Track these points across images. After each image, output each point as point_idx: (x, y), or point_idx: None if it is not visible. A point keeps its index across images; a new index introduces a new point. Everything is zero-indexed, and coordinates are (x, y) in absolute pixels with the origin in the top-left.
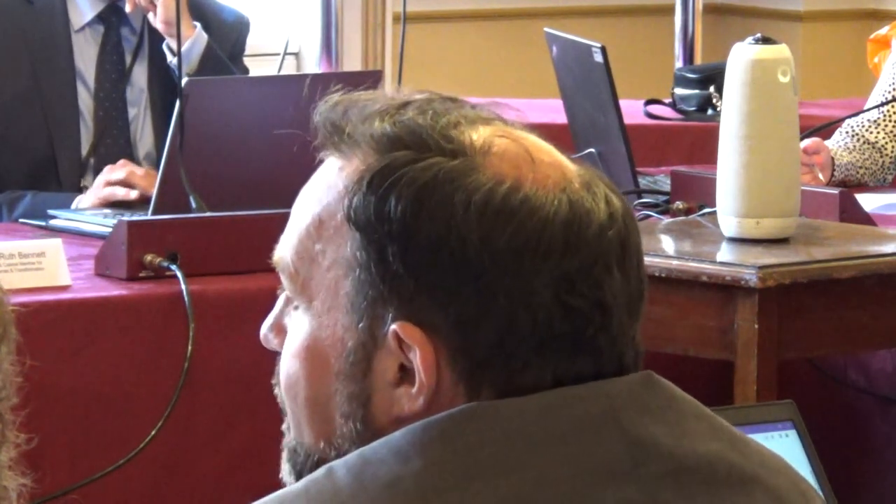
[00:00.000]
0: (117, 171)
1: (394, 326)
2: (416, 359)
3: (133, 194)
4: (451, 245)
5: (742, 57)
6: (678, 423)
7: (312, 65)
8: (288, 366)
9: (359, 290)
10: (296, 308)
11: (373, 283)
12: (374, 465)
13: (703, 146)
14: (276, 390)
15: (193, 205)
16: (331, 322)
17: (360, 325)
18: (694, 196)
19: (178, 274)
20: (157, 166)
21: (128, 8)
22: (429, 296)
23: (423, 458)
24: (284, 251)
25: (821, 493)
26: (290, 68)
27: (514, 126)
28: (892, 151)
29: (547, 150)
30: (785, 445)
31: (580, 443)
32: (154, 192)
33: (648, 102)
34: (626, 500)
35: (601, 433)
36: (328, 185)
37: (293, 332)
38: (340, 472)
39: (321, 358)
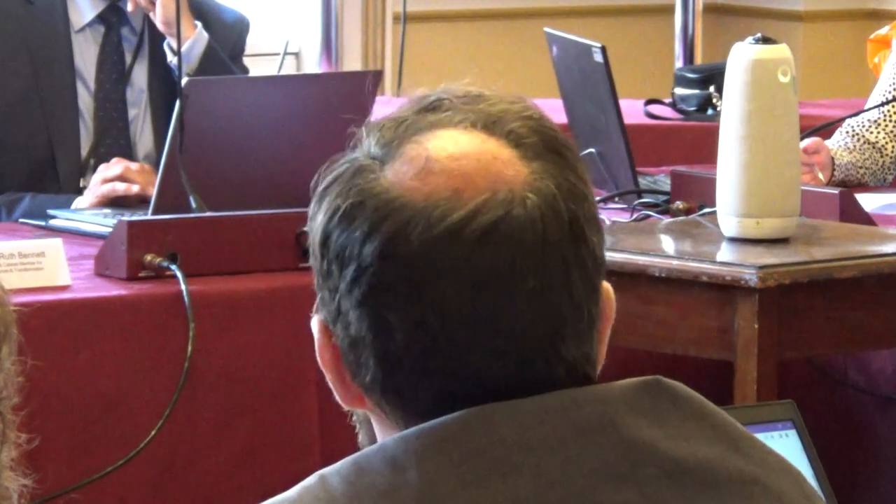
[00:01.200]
0: (113, 167)
1: (313, 318)
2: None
3: (134, 188)
4: (315, 247)
5: (742, 57)
6: (678, 426)
7: (312, 65)
8: None
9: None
10: None
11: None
12: (370, 475)
13: (703, 146)
14: None
15: (193, 205)
16: None
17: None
18: (694, 196)
19: (178, 274)
20: (156, 166)
21: (130, 7)
22: (321, 294)
23: (419, 467)
24: None
25: (821, 493)
26: (290, 68)
27: (485, 126)
28: (892, 151)
29: (471, 159)
30: (785, 445)
31: (578, 446)
32: (154, 192)
33: (648, 102)
34: (625, 501)
35: (599, 437)
36: None
37: None
38: (334, 480)
39: None
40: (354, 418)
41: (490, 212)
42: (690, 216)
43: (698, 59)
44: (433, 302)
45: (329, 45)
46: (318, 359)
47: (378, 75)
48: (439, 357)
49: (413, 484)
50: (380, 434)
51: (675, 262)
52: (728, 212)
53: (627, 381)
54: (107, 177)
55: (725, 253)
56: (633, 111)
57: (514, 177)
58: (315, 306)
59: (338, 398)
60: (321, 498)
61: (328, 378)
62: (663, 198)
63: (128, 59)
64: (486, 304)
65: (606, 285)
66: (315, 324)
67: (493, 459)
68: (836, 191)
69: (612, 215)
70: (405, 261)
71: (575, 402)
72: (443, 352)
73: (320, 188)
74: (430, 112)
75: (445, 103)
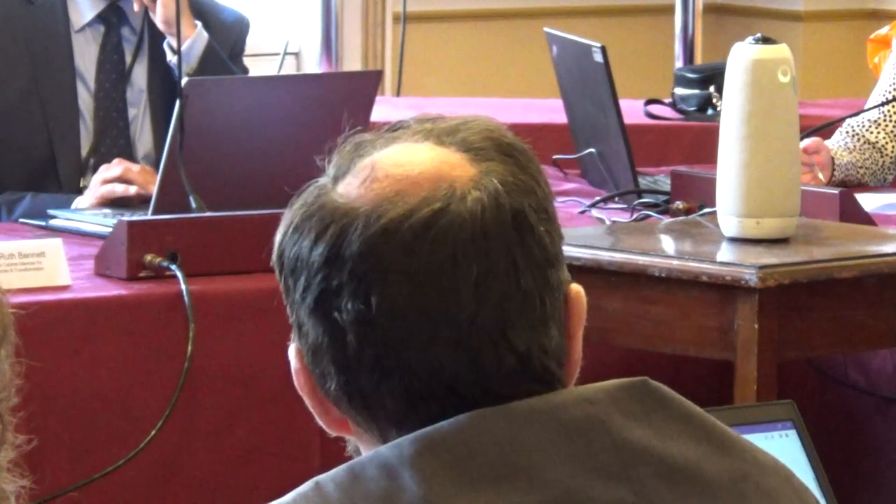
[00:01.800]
0: (113, 168)
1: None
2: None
3: (132, 190)
4: (275, 265)
5: (742, 57)
6: (667, 426)
7: (312, 65)
8: None
9: None
10: None
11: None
12: (365, 481)
13: (703, 146)
14: None
15: (193, 205)
16: None
17: None
18: (694, 196)
19: (178, 274)
20: (156, 166)
21: (136, 7)
22: (290, 310)
23: (412, 472)
24: None
25: (820, 493)
26: (290, 68)
27: (432, 133)
28: (892, 151)
29: (416, 164)
30: (785, 445)
31: (570, 446)
32: (154, 192)
33: (648, 102)
34: (619, 500)
35: (590, 437)
36: None
37: None
38: (329, 486)
39: None
40: (350, 448)
41: (428, 207)
42: (690, 216)
43: (698, 59)
44: (379, 299)
45: (329, 45)
46: (297, 386)
47: (378, 75)
48: (393, 355)
49: (408, 489)
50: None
51: (675, 262)
52: (728, 212)
53: (614, 382)
54: (106, 178)
55: (725, 253)
56: (633, 111)
57: (459, 176)
58: (291, 335)
59: (323, 426)
60: None
61: (309, 405)
62: (663, 198)
63: (128, 58)
64: (430, 297)
65: (576, 286)
66: (292, 351)
67: (487, 462)
68: (836, 191)
69: (612, 215)
70: (348, 261)
71: (564, 403)
72: (396, 349)
73: (289, 206)
74: (389, 133)
75: (405, 124)
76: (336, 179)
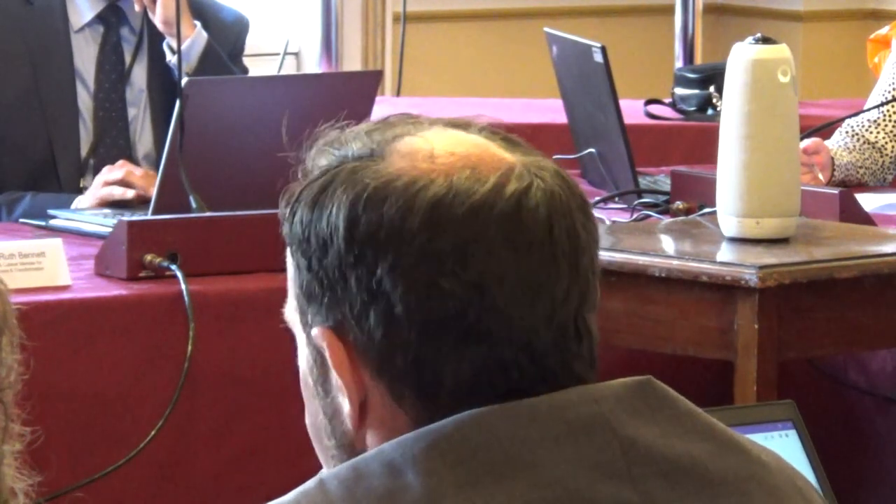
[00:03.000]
0: (115, 171)
1: (314, 332)
2: (329, 359)
3: (129, 194)
4: (332, 242)
5: (742, 57)
6: (671, 425)
7: (312, 65)
8: None
9: (297, 305)
10: None
11: (299, 294)
12: (368, 479)
13: (703, 146)
14: None
15: (193, 205)
16: (302, 346)
17: (308, 340)
18: (694, 196)
19: (178, 274)
20: (156, 166)
21: (136, 8)
22: (329, 295)
23: (416, 470)
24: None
25: (820, 493)
26: (290, 68)
27: (458, 125)
28: (892, 151)
29: (466, 144)
30: (785, 445)
31: (574, 445)
32: (154, 192)
33: (648, 102)
34: (622, 501)
35: (594, 435)
36: None
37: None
38: (332, 483)
39: (306, 384)
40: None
41: (517, 181)
42: (690, 216)
43: (698, 59)
44: (486, 265)
45: (329, 45)
46: (336, 369)
47: (378, 75)
48: (493, 320)
49: (411, 487)
50: (381, 437)
51: (675, 262)
52: (728, 212)
53: (619, 381)
54: (108, 180)
55: (725, 253)
56: (633, 111)
57: (513, 159)
58: (305, 320)
59: (347, 406)
60: (319, 502)
61: (343, 384)
62: (663, 198)
63: (127, 58)
64: (533, 266)
65: None
66: (319, 336)
67: (490, 460)
68: (836, 191)
69: (612, 215)
70: (451, 228)
71: (569, 401)
72: (498, 314)
73: (309, 195)
74: (396, 125)
75: (404, 119)
76: (376, 159)
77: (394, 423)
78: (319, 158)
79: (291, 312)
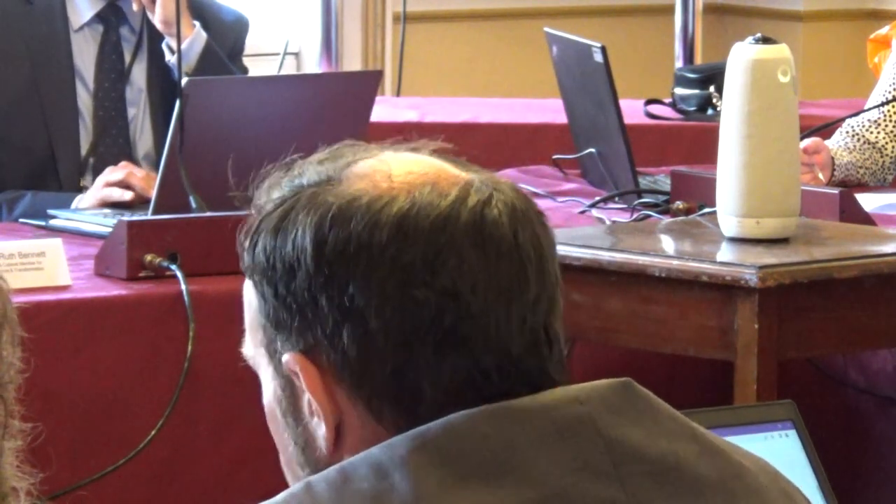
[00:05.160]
0: (117, 172)
1: (284, 359)
2: (304, 384)
3: (128, 195)
4: (300, 266)
5: (742, 57)
6: (655, 425)
7: (312, 65)
8: None
9: (264, 335)
10: None
11: (266, 324)
12: (355, 481)
13: (703, 146)
14: None
15: (193, 205)
16: (268, 379)
17: (275, 370)
18: (694, 196)
19: (178, 274)
20: (156, 166)
21: (135, 7)
22: (299, 320)
23: (403, 471)
24: (245, 338)
25: (820, 493)
26: (290, 68)
27: (410, 147)
28: (892, 151)
29: (423, 164)
30: (785, 445)
31: (561, 445)
32: (154, 192)
33: (648, 102)
34: (610, 500)
35: (579, 436)
36: None
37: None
38: (320, 486)
39: (273, 417)
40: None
41: (477, 194)
42: (690, 216)
43: (698, 59)
44: (458, 272)
45: (329, 45)
46: (311, 392)
47: (378, 75)
48: (469, 327)
49: (398, 489)
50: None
51: (675, 262)
52: (728, 212)
53: (601, 382)
54: (109, 181)
55: (725, 253)
56: (633, 111)
57: (468, 176)
58: (272, 350)
59: (322, 430)
60: None
61: (320, 406)
62: (663, 198)
63: (127, 58)
64: (503, 273)
65: None
66: (290, 361)
67: (478, 461)
68: (836, 191)
69: (612, 215)
70: (420, 238)
71: (554, 402)
72: (473, 320)
73: (269, 224)
74: (346, 154)
75: (352, 148)
76: (335, 182)
77: (375, 441)
78: (272, 192)
79: (251, 348)
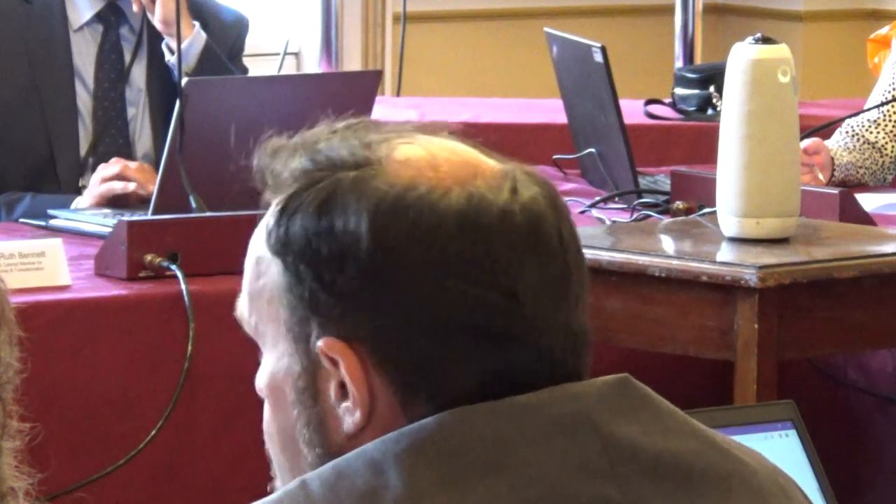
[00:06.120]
0: (111, 167)
1: (319, 343)
2: (344, 371)
3: (131, 186)
4: (349, 250)
5: (742, 57)
6: (653, 422)
7: (312, 65)
8: (264, 410)
9: (290, 314)
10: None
11: (296, 304)
12: (349, 478)
13: (703, 146)
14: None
15: (193, 205)
16: (279, 353)
17: (298, 348)
18: (694, 196)
19: (178, 274)
20: (155, 166)
21: (135, 8)
22: (342, 306)
23: (398, 468)
24: (242, 301)
25: (820, 493)
26: (290, 68)
27: (437, 132)
28: (892, 151)
29: (460, 152)
30: (785, 445)
31: (556, 444)
32: (154, 192)
33: (648, 102)
34: (604, 498)
35: (576, 433)
36: (262, 224)
37: (260, 374)
38: (314, 483)
39: (279, 391)
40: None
41: (526, 188)
42: (690, 216)
43: (698, 59)
44: (517, 272)
45: (329, 45)
46: (352, 380)
47: (378, 75)
48: (520, 327)
49: (392, 485)
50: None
51: (675, 262)
52: (728, 212)
53: (600, 379)
54: (105, 176)
55: (725, 253)
56: (633, 111)
57: (503, 166)
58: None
59: (352, 417)
60: (301, 502)
61: (359, 394)
62: (663, 198)
63: (126, 58)
64: (554, 272)
65: None
66: (327, 347)
67: (472, 458)
68: (836, 191)
69: (612, 215)
70: (482, 235)
71: (552, 399)
72: (526, 321)
73: (310, 203)
74: (367, 129)
75: (368, 124)
76: (371, 166)
77: (396, 428)
78: (290, 161)
79: (259, 319)
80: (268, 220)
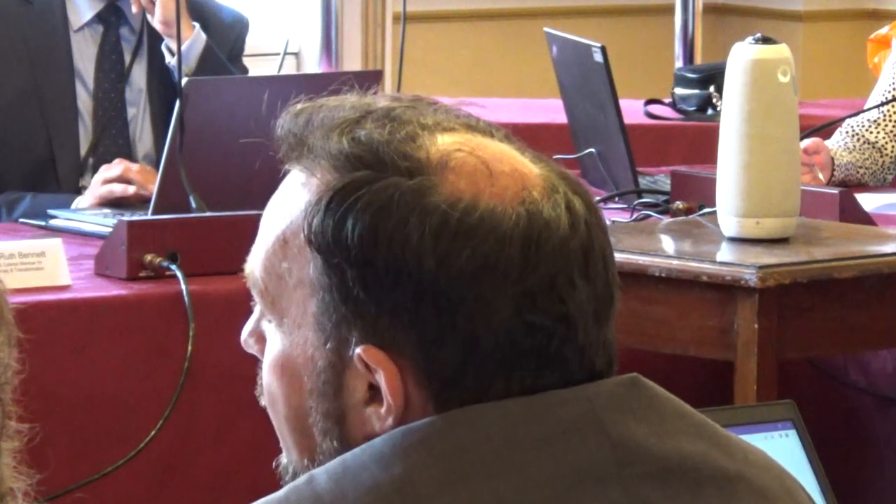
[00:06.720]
0: (113, 168)
1: (358, 350)
2: (382, 381)
3: (130, 190)
4: (408, 269)
5: (742, 57)
6: (661, 423)
7: (312, 65)
8: (267, 381)
9: (324, 311)
10: (269, 322)
11: (336, 306)
12: (355, 472)
13: (703, 146)
14: (262, 401)
15: (193, 205)
16: (301, 340)
17: (328, 345)
18: (694, 196)
19: (178, 274)
20: (156, 166)
21: (134, 9)
22: (391, 319)
23: (404, 464)
24: (254, 265)
25: (820, 493)
26: (290, 68)
27: (478, 128)
28: (892, 151)
29: (507, 159)
30: (785, 445)
31: (564, 445)
32: (154, 192)
33: (648, 102)
34: (610, 501)
35: (584, 435)
36: (292, 201)
37: (269, 345)
38: (321, 478)
39: (295, 375)
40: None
41: (574, 209)
42: (690, 216)
43: (698, 59)
44: (572, 297)
45: (329, 45)
46: (390, 391)
47: (378, 75)
48: (570, 349)
49: (396, 479)
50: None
51: (675, 262)
52: (728, 212)
53: (610, 380)
54: (106, 178)
55: (725, 253)
56: (633, 111)
57: (546, 174)
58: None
59: (384, 423)
60: (307, 497)
61: (395, 404)
62: (663, 198)
63: (126, 58)
64: (600, 294)
65: None
66: (367, 356)
67: (478, 457)
68: (836, 191)
69: (612, 215)
70: (543, 261)
71: (561, 400)
72: (575, 344)
73: (362, 209)
74: (411, 121)
75: (418, 111)
76: (425, 175)
77: None
78: (328, 139)
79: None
80: (307, 203)
